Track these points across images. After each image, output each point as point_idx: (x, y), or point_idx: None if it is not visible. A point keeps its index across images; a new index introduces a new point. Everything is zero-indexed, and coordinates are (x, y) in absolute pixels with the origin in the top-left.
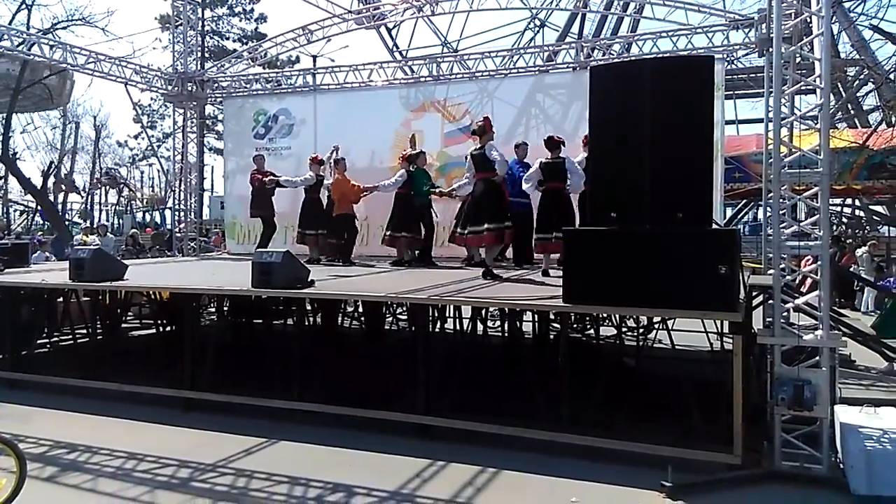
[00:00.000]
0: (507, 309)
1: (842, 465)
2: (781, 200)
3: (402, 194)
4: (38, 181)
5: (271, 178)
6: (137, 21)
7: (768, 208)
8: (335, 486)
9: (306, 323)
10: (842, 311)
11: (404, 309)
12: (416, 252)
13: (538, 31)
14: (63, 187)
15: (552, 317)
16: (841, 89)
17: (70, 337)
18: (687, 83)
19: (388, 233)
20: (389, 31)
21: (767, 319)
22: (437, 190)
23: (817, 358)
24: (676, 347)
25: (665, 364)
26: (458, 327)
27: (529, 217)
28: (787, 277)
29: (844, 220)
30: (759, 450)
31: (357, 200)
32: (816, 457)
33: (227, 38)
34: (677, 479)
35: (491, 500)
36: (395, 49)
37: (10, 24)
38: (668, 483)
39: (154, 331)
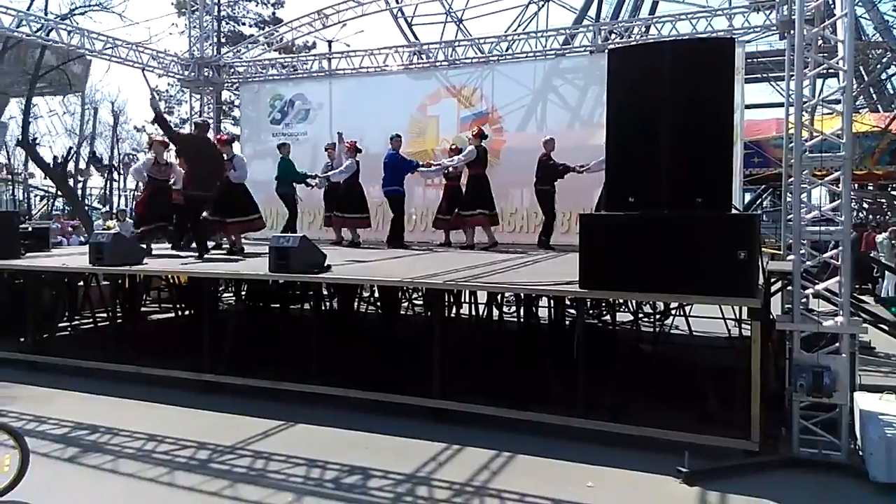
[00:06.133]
0: (522, 294)
1: (861, 453)
2: (802, 185)
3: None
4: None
5: (319, 177)
6: (153, 6)
7: (788, 194)
8: (352, 468)
9: (323, 307)
10: (861, 297)
11: (420, 294)
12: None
13: (543, 5)
14: (96, 171)
15: (568, 302)
16: (863, 73)
17: (90, 320)
18: (707, 66)
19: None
20: None
21: (786, 305)
22: (312, 177)
23: (837, 344)
24: (694, 333)
25: (682, 350)
26: (473, 313)
27: (402, 203)
28: (807, 263)
29: (865, 205)
30: (777, 436)
31: None
32: (835, 444)
33: (244, 24)
34: (694, 465)
35: (506, 483)
36: (399, 16)
37: (28, 9)
38: (685, 469)
39: (173, 315)
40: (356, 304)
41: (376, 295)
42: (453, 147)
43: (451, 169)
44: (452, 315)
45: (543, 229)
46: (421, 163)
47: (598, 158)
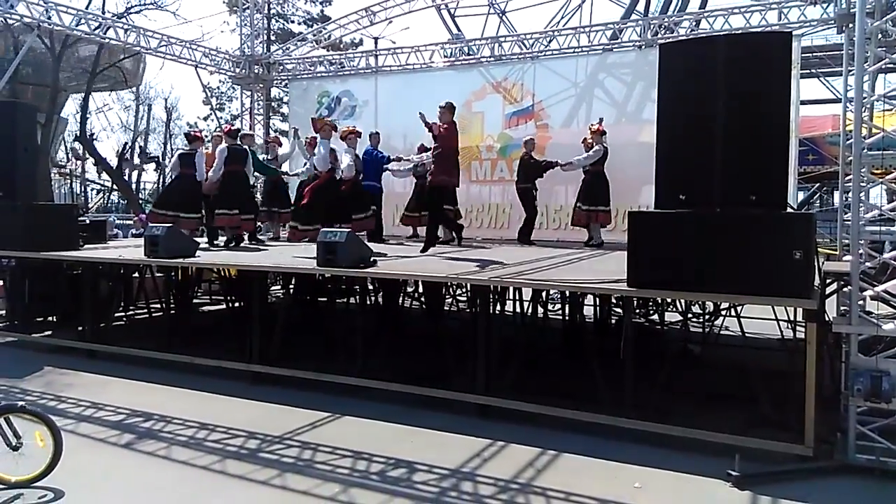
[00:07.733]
0: (568, 292)
1: None
2: (861, 184)
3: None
4: (113, 161)
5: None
6: (206, 4)
7: (845, 193)
8: (397, 461)
9: (368, 302)
10: None
11: (464, 290)
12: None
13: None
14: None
15: (614, 301)
16: None
17: (145, 311)
18: (762, 61)
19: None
20: None
21: (842, 308)
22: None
23: None
24: (745, 335)
25: (733, 351)
26: (518, 309)
27: (379, 198)
28: (866, 264)
29: None
30: (832, 442)
31: None
32: (893, 451)
33: (293, 21)
34: (745, 469)
35: (552, 481)
36: (443, 8)
37: (86, 8)
38: (735, 472)
39: (223, 307)
40: (401, 299)
41: (420, 290)
42: (421, 145)
43: (419, 167)
44: (497, 311)
45: (524, 226)
46: (392, 157)
47: (582, 156)
